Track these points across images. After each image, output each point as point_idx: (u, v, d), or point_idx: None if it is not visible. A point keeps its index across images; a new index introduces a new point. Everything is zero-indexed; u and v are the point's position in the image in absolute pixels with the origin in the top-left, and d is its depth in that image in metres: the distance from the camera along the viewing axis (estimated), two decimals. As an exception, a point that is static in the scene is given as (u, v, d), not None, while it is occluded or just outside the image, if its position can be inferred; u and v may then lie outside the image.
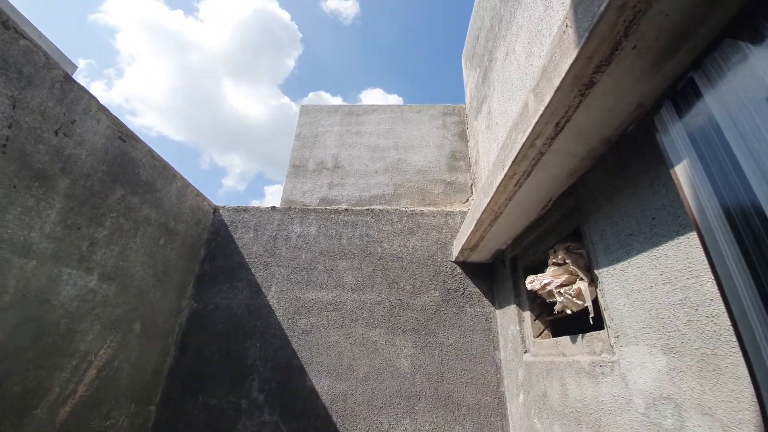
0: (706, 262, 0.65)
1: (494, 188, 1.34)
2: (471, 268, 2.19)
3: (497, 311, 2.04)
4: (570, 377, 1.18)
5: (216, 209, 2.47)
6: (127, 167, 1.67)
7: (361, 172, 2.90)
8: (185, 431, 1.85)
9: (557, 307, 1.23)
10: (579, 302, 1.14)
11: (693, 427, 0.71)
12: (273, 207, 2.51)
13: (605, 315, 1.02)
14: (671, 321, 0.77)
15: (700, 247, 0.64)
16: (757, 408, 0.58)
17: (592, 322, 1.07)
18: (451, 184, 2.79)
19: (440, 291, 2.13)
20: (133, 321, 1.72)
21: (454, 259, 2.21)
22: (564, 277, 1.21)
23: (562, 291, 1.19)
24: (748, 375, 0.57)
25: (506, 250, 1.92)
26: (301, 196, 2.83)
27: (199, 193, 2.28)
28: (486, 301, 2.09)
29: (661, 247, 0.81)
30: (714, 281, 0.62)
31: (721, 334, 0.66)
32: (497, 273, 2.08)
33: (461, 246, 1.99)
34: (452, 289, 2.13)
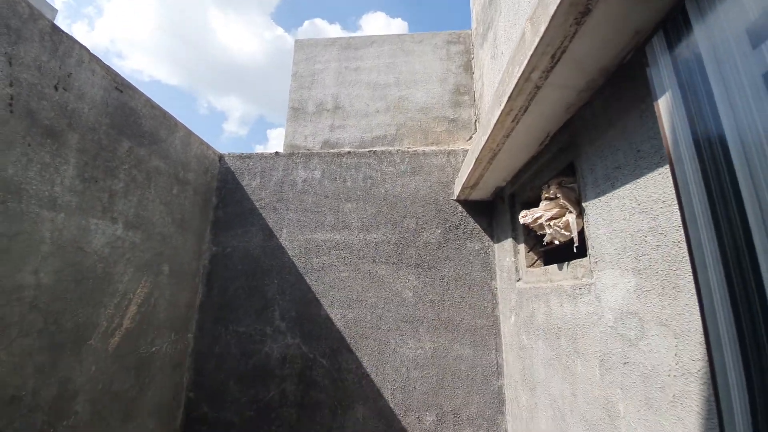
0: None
1: (492, 125, 1.34)
2: (472, 206, 2.26)
3: (495, 245, 2.15)
4: (554, 299, 1.31)
5: (221, 157, 2.51)
6: (129, 119, 1.69)
7: (362, 112, 2.84)
8: (220, 353, 2.14)
9: (546, 239, 1.32)
10: (566, 233, 1.21)
11: (651, 336, 0.82)
12: (276, 153, 2.54)
13: (588, 243, 1.09)
14: (642, 246, 0.84)
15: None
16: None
17: (575, 251, 1.16)
18: (455, 121, 2.73)
19: (442, 228, 2.24)
20: (161, 264, 1.90)
21: (455, 198, 2.27)
22: (554, 211, 1.27)
23: (551, 223, 1.26)
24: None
25: (506, 186, 1.96)
26: (303, 140, 2.83)
27: (203, 142, 2.31)
28: (485, 236, 2.19)
29: (641, 179, 0.85)
30: (679, 208, 0.67)
31: (683, 257, 0.73)
32: (496, 209, 2.15)
33: (462, 185, 2.03)
34: (453, 226, 2.23)
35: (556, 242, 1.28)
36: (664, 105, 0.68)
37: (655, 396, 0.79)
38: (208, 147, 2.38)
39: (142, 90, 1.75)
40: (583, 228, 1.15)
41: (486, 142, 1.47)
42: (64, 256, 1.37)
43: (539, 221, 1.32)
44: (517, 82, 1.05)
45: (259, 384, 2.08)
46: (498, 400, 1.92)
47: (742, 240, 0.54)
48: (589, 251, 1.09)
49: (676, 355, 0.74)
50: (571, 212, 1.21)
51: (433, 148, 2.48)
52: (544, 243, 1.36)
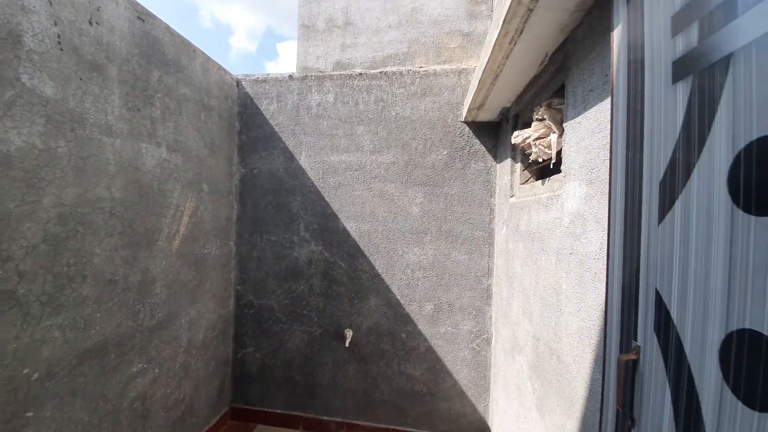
0: (615, 113, 0.83)
1: (491, 47, 1.40)
2: (478, 127, 2.35)
3: (497, 165, 2.30)
4: (534, 209, 1.52)
5: (238, 81, 2.62)
6: (153, 47, 1.81)
7: (373, 28, 2.76)
8: (258, 257, 2.59)
9: (531, 157, 1.47)
10: (548, 152, 1.36)
11: (589, 231, 1.04)
12: (290, 76, 2.61)
13: (563, 160, 1.25)
14: (595, 161, 1.01)
15: (617, 101, 0.82)
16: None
17: (552, 167, 1.32)
18: (469, 36, 2.62)
19: (448, 150, 2.38)
20: (201, 183, 2.21)
21: (463, 119, 2.35)
22: (541, 131, 1.40)
23: (537, 143, 1.40)
24: (616, 193, 0.84)
25: (511, 107, 2.03)
26: (315, 61, 2.84)
27: (220, 67, 2.41)
28: (489, 157, 2.33)
29: (604, 102, 0.97)
30: (610, 129, 0.82)
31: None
32: (501, 130, 2.24)
33: (468, 106, 2.11)
34: (459, 148, 2.37)
35: (540, 160, 1.44)
36: (616, 35, 0.77)
37: (585, 275, 1.05)
38: (225, 72, 2.48)
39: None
40: (562, 147, 1.30)
41: (487, 64, 1.53)
42: (127, 175, 1.68)
43: (527, 141, 1.46)
44: (510, 5, 1.10)
45: (291, 280, 2.55)
46: (486, 295, 2.31)
47: (638, 159, 0.71)
48: (562, 167, 1.25)
49: (600, 243, 0.97)
50: (554, 132, 1.34)
51: (445, 67, 2.46)
52: (530, 161, 1.51)
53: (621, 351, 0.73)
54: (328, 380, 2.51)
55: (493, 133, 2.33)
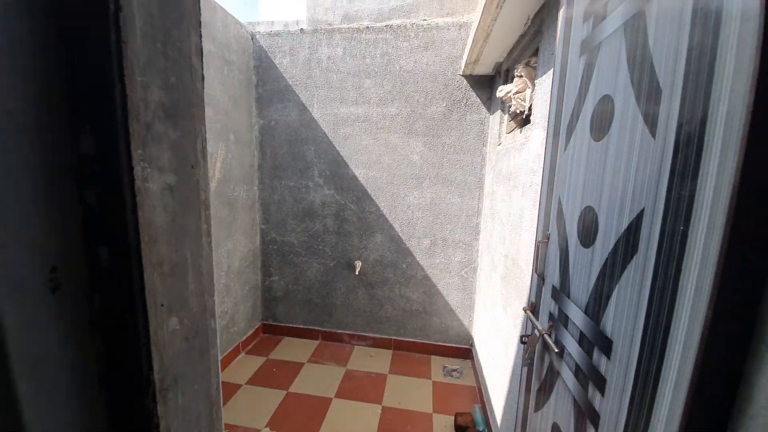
0: (557, 75, 1.11)
1: (481, 10, 1.61)
2: (475, 80, 2.56)
3: (490, 116, 2.55)
4: (512, 155, 1.83)
5: (253, 35, 2.81)
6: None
7: (379, -21, 2.84)
8: (278, 200, 2.97)
9: (511, 109, 1.74)
10: (524, 104, 1.63)
11: (539, 169, 1.36)
12: (301, 30, 2.78)
13: (533, 111, 1.53)
14: (549, 109, 1.30)
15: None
16: (557, 151, 1.18)
17: (524, 118, 1.61)
18: (472, -13, 2.70)
19: (447, 102, 2.61)
20: (228, 133, 2.53)
21: (461, 73, 2.55)
22: (520, 86, 1.65)
23: (515, 97, 1.67)
24: (555, 135, 1.15)
25: (503, 62, 2.23)
26: (324, 13, 2.96)
27: (237, 21, 2.59)
28: (483, 109, 2.57)
29: (558, 63, 1.23)
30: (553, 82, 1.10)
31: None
32: (496, 84, 2.45)
33: (466, 60, 2.31)
34: (457, 100, 2.60)
35: (518, 111, 1.71)
36: (561, 14, 1.03)
37: (537, 200, 1.39)
38: (242, 26, 2.66)
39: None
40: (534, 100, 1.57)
41: (479, 24, 1.74)
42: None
43: (509, 95, 1.72)
44: (492, -24, 1.32)
45: (308, 220, 2.95)
46: (475, 231, 2.69)
47: (561, 108, 1.01)
48: (532, 117, 1.54)
49: (546, 175, 1.29)
50: (529, 88, 1.60)
51: (446, 20, 2.60)
52: (514, 113, 1.79)
53: (539, 239, 1.10)
54: (341, 302, 3.02)
55: (489, 86, 2.54)
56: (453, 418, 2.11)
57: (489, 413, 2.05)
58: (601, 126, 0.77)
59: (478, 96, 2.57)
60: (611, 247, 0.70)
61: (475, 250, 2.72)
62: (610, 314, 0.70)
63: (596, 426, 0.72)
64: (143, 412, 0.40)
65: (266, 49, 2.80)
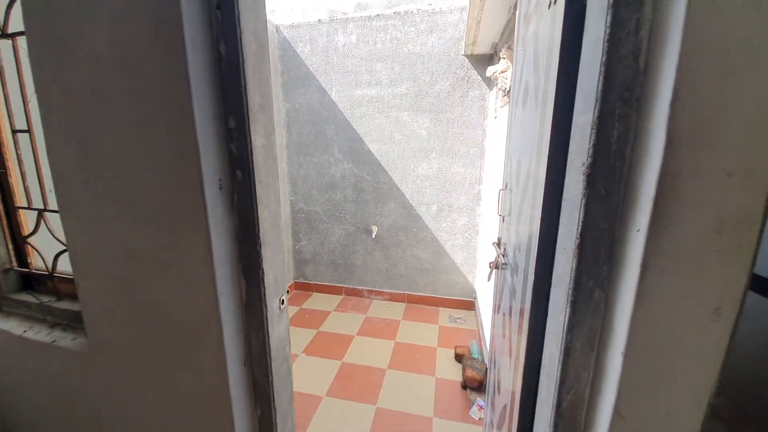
0: (518, 60, 1.42)
1: (468, 7, 1.89)
2: (476, 59, 2.81)
3: (489, 92, 2.81)
4: (502, 125, 2.13)
5: (277, 28, 3.16)
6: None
7: (388, -34, 3.08)
8: (304, 174, 3.40)
9: (498, 86, 2.04)
10: (507, 82, 1.93)
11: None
12: (319, 20, 3.10)
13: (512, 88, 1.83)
14: (512, 87, 1.61)
15: (520, 52, 1.40)
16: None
17: (504, 94, 1.91)
18: (474, -30, 2.90)
19: (450, 80, 2.90)
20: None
21: (463, 53, 2.81)
22: (504, 66, 1.94)
23: (501, 75, 1.96)
24: (518, 109, 1.47)
25: (498, 42, 2.48)
26: (339, 1, 3.26)
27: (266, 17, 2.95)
28: (484, 86, 2.84)
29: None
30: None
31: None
32: (493, 62, 2.70)
33: (465, 42, 2.58)
34: (460, 78, 2.88)
35: (505, 88, 2.01)
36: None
37: (511, 163, 1.72)
38: (270, 22, 3.02)
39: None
40: (514, 78, 1.86)
41: (469, 14, 2.02)
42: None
43: (495, 74, 2.02)
44: (472, -22, 1.61)
45: (330, 191, 3.38)
46: (477, 198, 3.03)
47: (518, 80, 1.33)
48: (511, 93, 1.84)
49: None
50: (511, 67, 1.89)
51: (449, 3, 2.84)
52: (501, 89, 2.08)
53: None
54: (360, 262, 3.48)
55: (487, 64, 2.79)
56: (453, 349, 2.55)
57: (483, 345, 2.47)
58: (525, 100, 1.10)
59: (478, 73, 2.83)
60: (521, 188, 1.06)
61: (477, 214, 3.06)
62: (512, 236, 1.06)
63: (514, 296, 1.11)
64: (255, 253, 0.83)
65: (289, 39, 3.16)
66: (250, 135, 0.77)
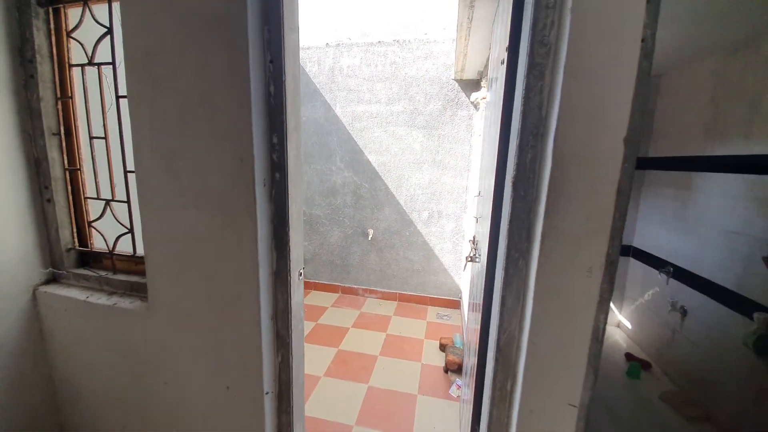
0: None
1: (456, 42, 2.25)
2: (464, 84, 3.18)
3: (476, 112, 3.18)
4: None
5: (288, 49, 3.52)
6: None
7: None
8: (308, 180, 3.72)
9: (479, 110, 2.39)
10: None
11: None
12: (327, 44, 3.47)
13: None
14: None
15: (492, 87, 1.75)
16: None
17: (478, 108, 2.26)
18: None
19: (442, 101, 3.26)
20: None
21: (453, 78, 3.18)
22: (485, 93, 2.29)
23: (482, 101, 2.31)
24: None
25: (483, 71, 2.85)
26: (345, 30, 3.63)
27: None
28: (471, 107, 3.20)
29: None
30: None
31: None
32: (480, 87, 3.07)
33: (455, 68, 2.95)
34: (450, 99, 3.24)
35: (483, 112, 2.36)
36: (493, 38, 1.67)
37: (488, 175, 2.06)
38: (280, 43, 3.37)
39: None
40: (492, 104, 2.21)
41: (457, 46, 2.38)
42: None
43: (477, 100, 2.37)
44: (459, 21, 1.97)
45: (331, 197, 3.70)
46: (464, 206, 3.36)
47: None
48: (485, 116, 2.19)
49: (491, 157, 1.95)
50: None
51: (443, 35, 3.22)
52: (481, 112, 2.43)
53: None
54: (357, 262, 3.77)
55: (475, 88, 3.16)
56: (438, 341, 2.84)
57: (465, 338, 2.76)
58: (489, 126, 1.44)
59: (466, 96, 3.20)
60: (486, 195, 1.38)
61: (464, 220, 3.39)
62: (481, 233, 1.38)
63: (479, 278, 1.41)
64: (285, 234, 1.14)
65: (300, 60, 3.51)
66: (286, 148, 1.09)
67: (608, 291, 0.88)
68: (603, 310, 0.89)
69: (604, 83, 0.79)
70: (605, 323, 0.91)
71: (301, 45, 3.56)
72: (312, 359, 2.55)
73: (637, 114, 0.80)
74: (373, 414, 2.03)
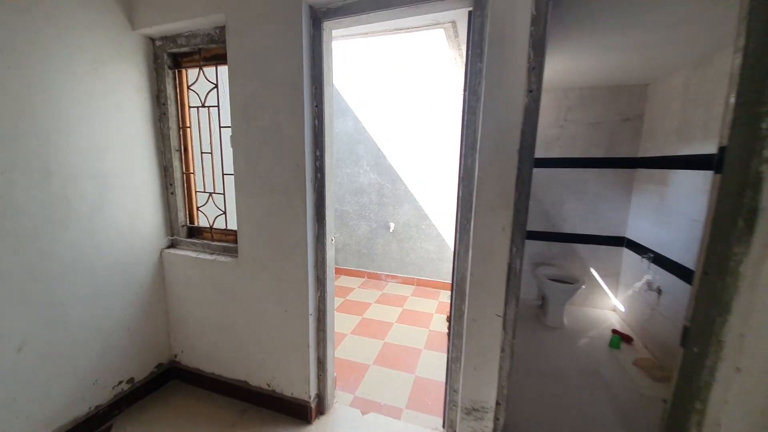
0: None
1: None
2: (471, 98, 3.73)
3: (481, 123, 3.70)
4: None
5: (325, 73, 4.26)
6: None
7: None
8: (339, 182, 4.42)
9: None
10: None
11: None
12: (357, 68, 4.16)
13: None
14: (481, 128, 2.50)
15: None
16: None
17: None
18: (473, 30, 3.85)
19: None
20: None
21: (462, 93, 3.74)
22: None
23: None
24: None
25: (485, 88, 3.39)
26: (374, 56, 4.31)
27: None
28: (477, 118, 3.73)
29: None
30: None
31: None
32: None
33: (462, 87, 3.51)
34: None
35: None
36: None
37: (478, 174, 2.61)
38: (318, 69, 4.13)
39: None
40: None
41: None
42: (284, 136, 3.51)
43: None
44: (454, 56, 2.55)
45: (359, 195, 4.37)
46: (471, 202, 3.88)
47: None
48: (482, 129, 2.73)
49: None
50: (483, 111, 2.79)
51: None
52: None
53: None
54: (380, 251, 4.40)
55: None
56: (445, 315, 3.39)
57: (468, 311, 3.29)
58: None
59: (473, 109, 3.73)
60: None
61: (471, 215, 3.90)
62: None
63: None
64: (324, 210, 1.81)
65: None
66: (324, 158, 1.75)
67: (519, 243, 1.44)
68: (517, 255, 1.45)
69: (504, 117, 1.37)
70: (521, 264, 1.46)
71: (338, 71, 4.29)
72: (341, 323, 3.22)
73: (527, 134, 1.36)
74: (387, 359, 2.64)
